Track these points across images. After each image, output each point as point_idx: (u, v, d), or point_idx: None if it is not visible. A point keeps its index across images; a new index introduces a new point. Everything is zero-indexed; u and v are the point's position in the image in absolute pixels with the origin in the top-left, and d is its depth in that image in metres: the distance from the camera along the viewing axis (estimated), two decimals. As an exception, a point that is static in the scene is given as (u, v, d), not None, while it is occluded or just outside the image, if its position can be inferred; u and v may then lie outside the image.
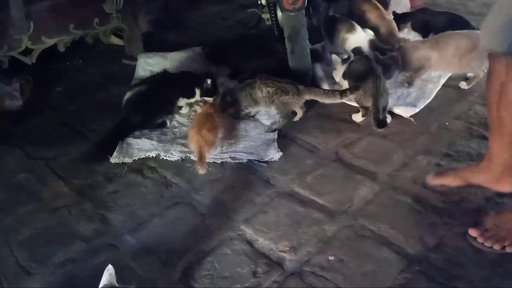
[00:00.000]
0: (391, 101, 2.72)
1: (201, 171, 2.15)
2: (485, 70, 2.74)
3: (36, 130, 2.61)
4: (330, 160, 2.35)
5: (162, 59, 3.26)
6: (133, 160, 2.35)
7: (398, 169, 2.26)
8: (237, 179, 2.25)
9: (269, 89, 2.53)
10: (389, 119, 2.59)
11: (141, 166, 2.33)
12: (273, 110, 2.58)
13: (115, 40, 3.54)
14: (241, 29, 3.83)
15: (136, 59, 3.25)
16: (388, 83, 2.87)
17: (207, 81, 2.70)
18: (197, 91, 2.73)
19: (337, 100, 2.50)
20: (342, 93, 2.45)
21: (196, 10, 4.26)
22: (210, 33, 3.81)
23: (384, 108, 2.52)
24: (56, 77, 3.17)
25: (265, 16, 3.45)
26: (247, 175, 2.27)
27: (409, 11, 3.56)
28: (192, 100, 2.75)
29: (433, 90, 2.83)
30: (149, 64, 3.21)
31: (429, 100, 2.75)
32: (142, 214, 2.05)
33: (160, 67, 3.16)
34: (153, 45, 3.52)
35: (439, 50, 2.76)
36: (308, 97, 2.54)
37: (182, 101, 2.72)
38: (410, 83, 2.88)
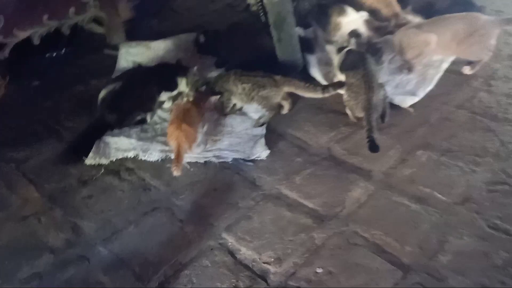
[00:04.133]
0: (388, 90, 2.52)
1: (176, 172, 1.99)
2: (490, 54, 2.54)
3: (8, 130, 2.45)
4: (321, 158, 2.18)
5: (145, 48, 3.07)
6: (110, 161, 2.20)
7: (395, 166, 2.08)
8: (220, 180, 2.09)
9: (244, 85, 2.36)
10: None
11: (119, 168, 2.18)
12: (255, 106, 2.40)
13: (97, 29, 3.34)
14: (229, 14, 3.61)
15: (118, 49, 3.06)
16: (386, 70, 2.70)
17: (200, 36, 2.65)
18: (180, 81, 2.56)
19: (319, 95, 2.31)
20: (325, 88, 2.26)
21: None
22: (197, 18, 3.60)
23: (384, 114, 2.31)
24: (34, 70, 3.00)
25: (251, 0, 3.23)
26: (231, 175, 2.11)
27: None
28: (174, 92, 2.58)
29: (435, 76, 2.63)
30: (131, 54, 3.03)
31: (431, 87, 2.55)
32: (117, 221, 1.91)
33: (143, 57, 3.01)
34: (136, 33, 3.33)
35: (438, 34, 2.54)
36: (287, 89, 2.36)
37: (164, 95, 2.55)
38: (410, 69, 2.67)
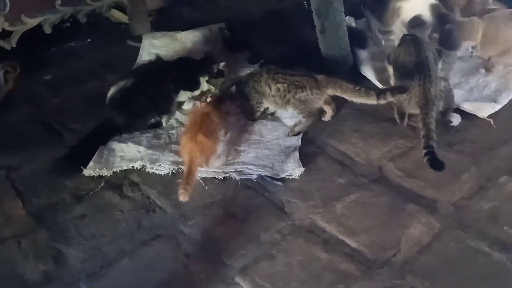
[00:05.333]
0: (460, 94, 2.05)
1: (183, 197, 1.59)
2: None
3: (6, 130, 2.15)
4: (370, 180, 1.73)
5: (170, 40, 2.72)
6: (113, 172, 1.84)
7: (470, 197, 1.62)
8: (240, 203, 1.69)
9: (279, 85, 1.94)
10: (457, 119, 1.91)
11: (122, 181, 1.82)
12: (290, 111, 1.96)
13: (121, 17, 3.03)
14: (270, 2, 3.18)
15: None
16: (457, 68, 2.17)
17: (218, 64, 2.23)
18: (203, 80, 2.18)
19: (372, 102, 1.84)
20: (380, 93, 1.79)
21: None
22: (234, 7, 3.20)
23: (446, 110, 1.83)
24: (47, 62, 2.71)
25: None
26: (254, 198, 1.70)
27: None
28: (197, 92, 2.20)
29: (521, 78, 2.09)
30: (155, 46, 2.68)
31: (516, 92, 2.02)
32: (109, 251, 1.54)
33: (168, 49, 2.67)
34: (165, 23, 2.99)
35: None
36: (331, 91, 1.92)
37: (183, 95, 2.17)
38: (488, 69, 2.14)
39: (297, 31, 2.47)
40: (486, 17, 2.10)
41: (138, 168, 1.85)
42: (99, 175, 1.83)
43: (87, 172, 1.84)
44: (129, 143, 1.95)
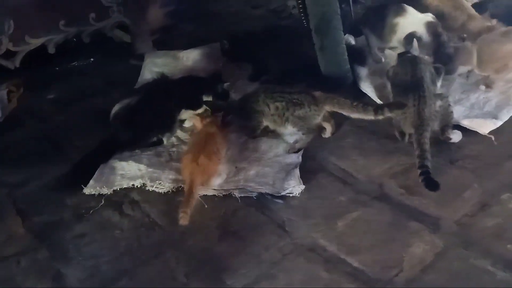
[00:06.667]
0: (461, 111, 2.05)
1: (183, 221, 1.58)
2: None
3: (10, 147, 2.17)
4: (371, 197, 1.71)
5: (172, 58, 2.75)
6: (113, 190, 1.84)
7: (473, 214, 1.59)
8: (241, 221, 1.67)
9: (277, 104, 1.94)
10: (458, 136, 1.90)
11: (122, 199, 1.81)
12: (290, 128, 1.96)
13: (124, 37, 3.07)
14: (273, 19, 3.22)
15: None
16: (458, 85, 2.17)
17: (221, 84, 2.23)
18: (206, 98, 2.20)
19: (370, 117, 1.84)
20: (378, 109, 1.80)
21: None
22: (236, 25, 3.23)
23: (444, 128, 1.83)
24: (51, 81, 2.75)
25: (291, 2, 2.81)
26: (255, 216, 1.69)
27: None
28: (199, 111, 2.21)
29: (522, 94, 2.08)
30: (157, 65, 2.71)
31: (517, 108, 2.01)
32: (108, 270, 1.53)
33: (170, 68, 2.69)
34: (169, 41, 3.03)
35: None
36: (329, 108, 1.92)
37: (185, 114, 2.18)
38: (488, 85, 2.14)
39: (298, 47, 2.49)
40: (479, 40, 2.12)
41: (139, 186, 1.85)
42: (99, 194, 1.83)
43: (87, 190, 1.84)
44: (130, 161, 1.95)
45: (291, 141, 2.00)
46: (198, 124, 1.92)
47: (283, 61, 2.46)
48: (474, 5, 2.49)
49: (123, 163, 1.95)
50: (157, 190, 1.83)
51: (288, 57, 2.46)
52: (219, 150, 1.84)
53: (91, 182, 1.87)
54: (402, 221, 1.59)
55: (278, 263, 1.49)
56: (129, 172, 1.91)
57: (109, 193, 1.83)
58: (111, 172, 1.92)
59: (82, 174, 1.89)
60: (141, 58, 2.81)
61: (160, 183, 1.83)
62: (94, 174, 1.91)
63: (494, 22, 2.31)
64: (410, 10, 2.29)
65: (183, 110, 2.17)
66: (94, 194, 1.83)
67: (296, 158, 1.91)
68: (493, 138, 1.87)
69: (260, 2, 3.53)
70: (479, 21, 2.32)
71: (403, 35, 2.26)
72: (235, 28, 3.17)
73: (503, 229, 1.51)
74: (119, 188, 1.85)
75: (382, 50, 2.48)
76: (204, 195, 1.76)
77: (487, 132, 1.90)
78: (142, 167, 1.92)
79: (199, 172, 1.71)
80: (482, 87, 2.16)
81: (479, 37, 2.13)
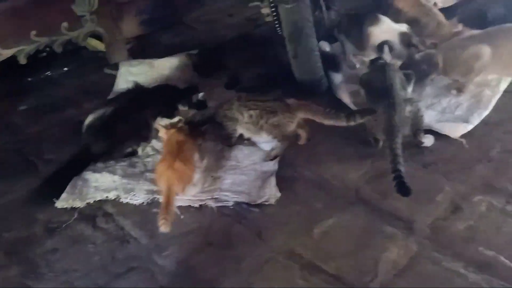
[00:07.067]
0: (433, 115, 2.09)
1: (164, 228, 1.55)
2: None
3: (-21, 162, 2.12)
4: (347, 202, 1.72)
5: (148, 67, 2.71)
6: (87, 203, 1.80)
7: (446, 217, 1.62)
8: (217, 231, 1.66)
9: (251, 112, 1.94)
10: (430, 140, 1.93)
11: (95, 212, 1.78)
12: (264, 136, 1.96)
13: (99, 45, 3.03)
14: (248, 27, 3.22)
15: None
16: (430, 90, 2.21)
17: (198, 94, 2.22)
18: (181, 108, 2.19)
19: (342, 124, 1.85)
20: (350, 115, 1.82)
21: (201, 5, 3.68)
22: (211, 33, 3.22)
23: (416, 132, 1.85)
24: (24, 92, 2.69)
25: (265, 10, 2.82)
26: (231, 225, 1.68)
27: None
28: (175, 120, 2.18)
29: (492, 98, 2.16)
30: (132, 74, 2.67)
31: (487, 111, 2.07)
32: (81, 286, 1.50)
33: (146, 77, 2.66)
34: (144, 50, 3.00)
35: (493, 48, 2.04)
36: (302, 115, 1.93)
37: (161, 122, 2.15)
38: (460, 90, 2.18)
39: (275, 54, 2.49)
40: (444, 45, 2.16)
41: (113, 199, 1.82)
42: (72, 207, 1.80)
43: (59, 204, 1.80)
44: (104, 173, 1.92)
45: (268, 149, 2.00)
46: (163, 135, 1.91)
47: (259, 68, 2.47)
48: (443, 10, 2.55)
49: (97, 175, 1.92)
50: (131, 201, 1.80)
51: (265, 65, 2.46)
52: (191, 156, 1.82)
53: (64, 195, 1.83)
54: (376, 226, 1.60)
55: (256, 272, 1.49)
56: (103, 184, 1.88)
57: (82, 206, 1.80)
58: (84, 185, 1.88)
59: (55, 187, 1.85)
60: (116, 67, 2.76)
61: (135, 194, 1.81)
62: (66, 187, 1.87)
63: (460, 27, 2.37)
64: (384, 19, 2.33)
65: (158, 119, 2.16)
66: (67, 207, 1.79)
67: (272, 165, 1.91)
68: (464, 142, 1.91)
69: (235, 10, 3.54)
70: (447, 27, 2.37)
71: (377, 43, 2.30)
72: (211, 36, 3.17)
73: (474, 232, 1.54)
74: (93, 201, 1.81)
75: (356, 56, 2.51)
76: (179, 206, 1.74)
77: (459, 136, 1.94)
78: (116, 178, 1.89)
79: (175, 177, 1.69)
80: (454, 92, 2.20)
81: (445, 43, 2.18)
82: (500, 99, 2.13)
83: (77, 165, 1.97)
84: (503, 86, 2.20)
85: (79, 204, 1.80)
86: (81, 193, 1.84)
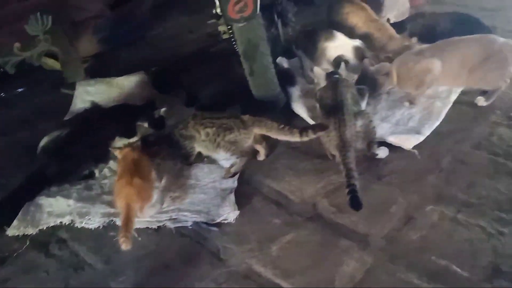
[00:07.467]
0: (387, 127, 2.13)
1: (125, 245, 1.52)
2: (508, 82, 2.12)
3: None
4: (305, 218, 1.73)
5: (106, 86, 2.68)
6: (39, 230, 1.75)
7: (399, 229, 1.65)
8: (175, 253, 1.64)
9: (208, 130, 1.94)
10: (384, 152, 1.97)
11: (49, 239, 1.73)
12: (222, 154, 1.97)
13: (55, 64, 2.96)
14: (209, 43, 3.23)
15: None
16: (384, 103, 2.27)
17: (159, 110, 2.25)
18: (140, 124, 2.17)
19: (296, 139, 1.88)
20: (303, 131, 1.84)
21: (161, 22, 3.67)
22: (172, 49, 3.22)
23: (370, 144, 1.90)
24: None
25: (222, 28, 2.85)
26: (190, 246, 1.66)
27: (407, 14, 2.91)
28: (134, 139, 2.16)
29: (442, 109, 2.22)
30: (90, 94, 2.63)
31: (438, 122, 2.14)
32: (33, 317, 1.45)
33: (104, 96, 2.62)
34: (102, 68, 2.96)
35: (442, 61, 2.13)
36: (257, 131, 1.95)
37: (119, 143, 2.13)
38: (412, 102, 2.25)
39: (234, 71, 2.52)
40: (396, 59, 2.24)
41: (67, 224, 1.77)
42: (24, 234, 1.74)
43: (11, 232, 1.74)
44: (58, 197, 1.87)
45: (227, 166, 2.00)
46: (118, 154, 1.88)
47: (218, 85, 2.49)
48: (394, 25, 2.64)
49: (51, 200, 1.87)
50: (86, 226, 1.76)
51: (224, 81, 2.48)
52: (149, 173, 1.81)
53: (15, 222, 1.77)
54: (333, 240, 1.62)
55: (213, 293, 1.48)
56: (57, 208, 1.83)
57: (34, 233, 1.74)
58: (37, 210, 1.83)
59: (5, 214, 1.79)
60: (73, 86, 2.71)
61: (90, 218, 1.77)
62: (18, 213, 1.81)
63: (413, 40, 2.46)
64: (339, 35, 2.40)
65: (117, 139, 2.13)
66: (18, 235, 1.73)
67: (232, 183, 1.91)
68: (416, 153, 1.96)
69: (196, 27, 3.55)
70: (399, 41, 2.45)
71: (332, 58, 2.36)
72: (171, 53, 3.16)
73: (427, 241, 1.58)
74: (46, 227, 1.76)
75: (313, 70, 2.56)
76: (137, 228, 1.71)
77: (411, 147, 1.99)
78: (71, 202, 1.85)
79: (134, 193, 1.67)
80: (406, 104, 2.27)
81: (398, 57, 2.26)
82: (450, 110, 2.21)
83: (30, 189, 1.91)
84: (453, 97, 2.28)
85: (31, 231, 1.74)
86: (33, 220, 1.79)
